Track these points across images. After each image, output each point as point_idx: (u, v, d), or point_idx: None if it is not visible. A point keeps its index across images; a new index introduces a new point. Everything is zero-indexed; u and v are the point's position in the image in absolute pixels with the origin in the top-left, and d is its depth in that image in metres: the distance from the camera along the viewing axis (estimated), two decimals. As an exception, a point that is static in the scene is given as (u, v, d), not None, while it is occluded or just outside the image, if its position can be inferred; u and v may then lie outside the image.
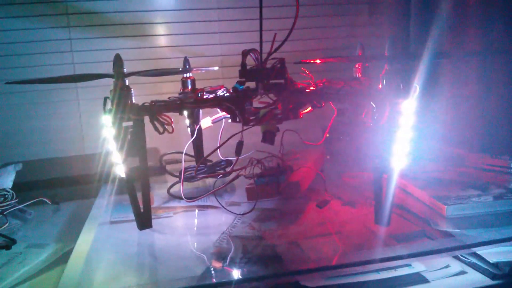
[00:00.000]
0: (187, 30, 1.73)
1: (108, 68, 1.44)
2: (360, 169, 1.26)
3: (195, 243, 0.91)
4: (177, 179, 1.23)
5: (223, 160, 1.21)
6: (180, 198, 1.10)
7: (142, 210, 0.91)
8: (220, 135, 1.15)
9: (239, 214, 1.00)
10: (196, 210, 1.08)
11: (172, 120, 0.92)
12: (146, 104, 0.89)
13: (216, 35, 1.76)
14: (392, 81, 0.79)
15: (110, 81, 0.89)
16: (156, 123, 0.89)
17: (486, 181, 1.02)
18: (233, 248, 0.87)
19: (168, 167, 1.29)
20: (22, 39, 1.60)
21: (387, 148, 0.82)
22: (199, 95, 0.96)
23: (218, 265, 0.80)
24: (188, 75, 1.24)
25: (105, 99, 0.84)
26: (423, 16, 1.56)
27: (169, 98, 0.93)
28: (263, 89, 0.98)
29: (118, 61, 0.85)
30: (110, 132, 0.85)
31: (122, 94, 0.84)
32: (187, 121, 1.23)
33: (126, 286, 0.74)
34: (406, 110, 0.79)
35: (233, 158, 1.15)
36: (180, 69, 1.16)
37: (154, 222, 0.99)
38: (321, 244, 0.86)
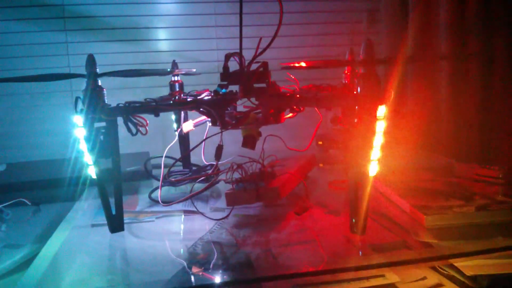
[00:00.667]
0: (184, 35, 1.73)
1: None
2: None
3: (170, 248, 0.90)
4: (162, 183, 1.22)
5: (208, 165, 1.20)
6: (159, 202, 1.08)
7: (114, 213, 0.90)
8: (204, 138, 1.14)
9: (216, 220, 0.98)
10: (183, 215, 1.06)
11: (147, 122, 0.91)
12: (120, 105, 0.88)
13: (214, 41, 1.76)
14: (367, 85, 0.77)
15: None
16: (130, 124, 0.88)
17: (472, 192, 0.99)
18: (205, 253, 0.85)
19: (156, 172, 1.28)
20: (18, 42, 1.61)
21: (362, 154, 0.79)
22: (176, 97, 0.94)
23: (188, 270, 0.78)
24: (176, 78, 1.23)
25: (77, 98, 0.83)
26: (421, 24, 1.55)
27: (145, 99, 0.91)
28: (243, 92, 0.96)
29: (90, 61, 0.84)
30: (81, 132, 0.84)
31: (93, 94, 0.83)
32: (175, 125, 1.22)
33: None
34: (381, 115, 0.76)
35: (222, 162, 1.14)
36: (168, 70, 1.14)
37: (135, 226, 0.99)
38: (294, 252, 0.84)
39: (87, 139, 0.84)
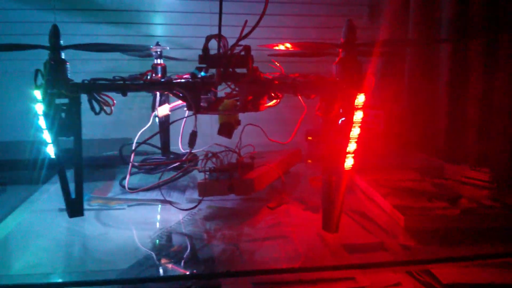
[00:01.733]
0: (178, 20, 1.67)
1: (93, 55, 1.38)
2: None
3: (135, 237, 0.85)
4: (136, 170, 1.17)
5: (186, 153, 1.14)
6: (128, 189, 1.03)
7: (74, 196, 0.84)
8: (182, 124, 1.08)
9: (184, 210, 0.93)
10: (159, 204, 1.01)
11: (114, 101, 0.85)
12: (85, 81, 0.82)
13: (207, 28, 1.69)
14: (345, 70, 0.71)
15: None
16: (94, 102, 0.82)
17: (459, 194, 0.93)
18: (168, 245, 0.81)
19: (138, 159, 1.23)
20: (5, 19, 1.55)
21: (337, 146, 0.73)
22: (147, 77, 0.89)
23: (146, 260, 0.74)
24: (159, 61, 1.18)
25: (37, 71, 0.78)
26: (423, 20, 1.48)
27: (113, 77, 0.85)
28: (220, 77, 0.90)
29: (54, 32, 0.78)
30: (40, 108, 0.78)
31: (55, 68, 0.78)
32: (157, 119, 1.16)
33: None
34: (359, 104, 0.70)
35: (198, 150, 1.08)
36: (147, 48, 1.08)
37: (104, 213, 0.95)
38: (262, 248, 0.78)
39: (46, 116, 0.79)
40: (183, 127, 1.09)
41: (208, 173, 0.94)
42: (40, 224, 0.90)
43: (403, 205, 0.87)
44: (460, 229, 0.81)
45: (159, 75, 1.14)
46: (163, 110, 1.02)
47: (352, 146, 0.72)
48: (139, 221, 0.93)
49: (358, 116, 0.71)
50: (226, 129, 0.95)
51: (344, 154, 0.72)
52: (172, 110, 1.02)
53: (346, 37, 0.70)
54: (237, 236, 0.83)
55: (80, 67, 1.47)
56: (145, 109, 1.60)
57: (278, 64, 1.03)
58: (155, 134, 0.94)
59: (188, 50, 1.65)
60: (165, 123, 1.17)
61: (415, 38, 1.36)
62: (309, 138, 1.49)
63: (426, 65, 1.43)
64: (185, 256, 0.76)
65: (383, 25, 1.67)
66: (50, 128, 0.79)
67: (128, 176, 1.00)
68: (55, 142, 0.80)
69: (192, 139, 0.94)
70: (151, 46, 1.04)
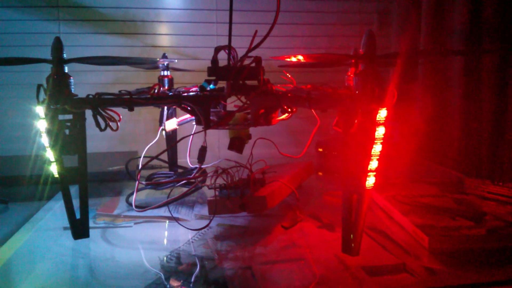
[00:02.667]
0: (183, 31, 1.64)
1: (98, 66, 1.34)
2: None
3: (143, 259, 0.81)
4: (143, 186, 1.13)
5: (194, 168, 1.10)
6: (136, 207, 0.98)
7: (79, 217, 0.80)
8: (190, 139, 1.04)
9: (194, 230, 0.88)
10: (167, 221, 0.97)
11: (121, 117, 0.81)
12: (90, 96, 0.78)
13: (214, 38, 1.66)
14: (366, 84, 0.66)
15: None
16: (99, 118, 0.78)
17: (483, 212, 0.88)
18: (178, 267, 0.76)
19: (143, 173, 1.19)
20: (7, 30, 1.53)
21: (358, 163, 0.69)
22: (155, 91, 0.85)
23: (157, 286, 0.69)
24: (166, 73, 1.14)
25: (39, 86, 0.74)
26: (434, 29, 1.44)
27: (119, 91, 0.82)
28: (230, 89, 0.86)
29: (57, 45, 0.74)
30: (43, 124, 0.75)
31: (58, 82, 0.74)
32: (164, 132, 1.13)
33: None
34: (381, 120, 0.66)
35: (208, 166, 1.04)
36: (150, 59, 1.05)
37: (110, 231, 0.92)
38: (277, 272, 0.74)
39: (49, 133, 0.75)
40: (191, 141, 1.05)
41: (218, 190, 0.89)
42: (45, 244, 0.86)
43: (425, 224, 0.82)
44: (486, 250, 0.76)
45: (166, 87, 1.11)
46: (170, 124, 0.98)
47: (373, 164, 0.68)
48: (147, 240, 0.90)
49: (380, 132, 0.66)
50: (236, 144, 0.91)
51: (365, 172, 0.68)
52: (180, 124, 0.98)
53: (366, 48, 0.66)
54: (250, 258, 0.78)
55: (84, 78, 1.45)
56: (151, 121, 1.56)
57: (289, 76, 0.99)
58: (164, 151, 0.90)
59: (194, 60, 1.62)
60: (172, 138, 1.13)
61: (438, 48, 1.31)
62: (320, 149, 1.44)
63: (439, 74, 1.39)
64: (195, 280, 0.72)
65: (394, 34, 1.63)
66: (53, 145, 0.75)
67: (135, 195, 0.96)
68: (59, 160, 0.76)
69: (202, 154, 0.90)
70: (158, 59, 1.00)
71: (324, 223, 0.94)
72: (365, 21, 1.74)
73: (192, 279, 0.72)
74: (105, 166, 1.29)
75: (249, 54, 0.88)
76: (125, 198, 1.09)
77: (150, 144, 1.02)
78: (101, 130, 0.78)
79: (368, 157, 0.67)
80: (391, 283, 0.70)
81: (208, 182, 0.95)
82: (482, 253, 0.76)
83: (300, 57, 0.81)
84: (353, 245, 0.72)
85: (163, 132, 1.12)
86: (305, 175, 1.15)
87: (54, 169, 0.77)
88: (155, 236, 0.92)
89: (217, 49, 0.94)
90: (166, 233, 0.94)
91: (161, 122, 1.03)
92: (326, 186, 1.21)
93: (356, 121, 0.66)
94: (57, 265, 0.78)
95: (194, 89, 0.97)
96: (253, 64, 0.90)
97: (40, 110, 0.74)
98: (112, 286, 0.72)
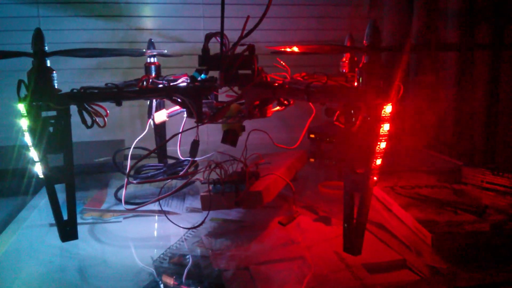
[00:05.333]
0: (168, 12, 1.57)
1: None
2: (340, 178, 1.12)
3: (135, 258, 0.78)
4: (132, 179, 1.09)
5: (185, 160, 1.06)
6: (126, 203, 0.95)
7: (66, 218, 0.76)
8: (181, 131, 1.00)
9: (187, 228, 0.85)
10: (156, 216, 0.94)
11: (108, 112, 0.76)
12: (74, 90, 0.73)
13: (200, 20, 1.60)
14: (371, 78, 0.63)
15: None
16: (85, 114, 0.73)
17: (484, 204, 0.86)
18: (173, 269, 0.73)
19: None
20: (-17, 14, 1.45)
21: (362, 160, 0.66)
22: (144, 83, 0.80)
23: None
24: (152, 60, 1.09)
25: (19, 82, 0.69)
26: (427, 10, 1.41)
27: (106, 84, 0.77)
28: (224, 80, 0.82)
29: (38, 36, 0.69)
30: (25, 123, 0.70)
31: (40, 77, 0.69)
32: (151, 121, 1.08)
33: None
34: (386, 115, 0.62)
35: (200, 159, 1.00)
36: (139, 50, 0.99)
37: (98, 227, 0.89)
38: (276, 273, 0.71)
39: (32, 131, 0.70)
40: (181, 132, 1.00)
41: (212, 185, 0.86)
42: (31, 244, 0.83)
43: (427, 220, 0.79)
44: (491, 246, 0.74)
45: (153, 74, 1.06)
46: (160, 116, 0.93)
47: (377, 161, 0.65)
48: (138, 237, 0.87)
49: (385, 128, 0.63)
50: (230, 137, 0.87)
51: (369, 170, 0.65)
52: (170, 116, 0.94)
53: (370, 40, 0.62)
54: (248, 257, 0.75)
55: (64, 64, 1.38)
56: (137, 106, 1.51)
57: (283, 64, 0.95)
58: (157, 148, 0.86)
59: (180, 43, 1.57)
60: (161, 128, 1.08)
61: (433, 43, 1.28)
62: (312, 136, 1.41)
63: (431, 60, 1.37)
64: (191, 282, 0.69)
65: (386, 16, 1.59)
66: (37, 145, 0.70)
67: (124, 190, 0.91)
68: (43, 160, 0.72)
69: (194, 148, 0.86)
70: (144, 50, 0.95)
71: (320, 215, 0.92)
72: (356, 2, 1.69)
73: (189, 284, 0.69)
74: (90, 158, 1.24)
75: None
76: (113, 191, 1.05)
77: (140, 136, 0.98)
78: (87, 127, 0.73)
79: (372, 155, 0.64)
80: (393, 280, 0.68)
81: (200, 176, 0.91)
82: (486, 250, 0.74)
83: (295, 49, 0.77)
84: (355, 244, 0.70)
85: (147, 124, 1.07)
86: (299, 165, 1.12)
87: (38, 170, 0.72)
88: (146, 232, 0.89)
89: (208, 37, 0.89)
90: (157, 228, 0.90)
91: (149, 114, 0.99)
92: (320, 173, 1.19)
93: (360, 118, 0.63)
94: (45, 266, 0.74)
95: (183, 78, 0.92)
96: (246, 53, 0.86)
97: (21, 107, 0.69)
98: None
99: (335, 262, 0.73)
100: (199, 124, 0.81)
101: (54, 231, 0.80)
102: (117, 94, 0.74)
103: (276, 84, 0.79)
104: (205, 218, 0.84)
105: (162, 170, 1.07)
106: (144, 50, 0.96)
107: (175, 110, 0.94)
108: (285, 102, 0.83)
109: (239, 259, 0.74)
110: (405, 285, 0.66)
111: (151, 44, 1.09)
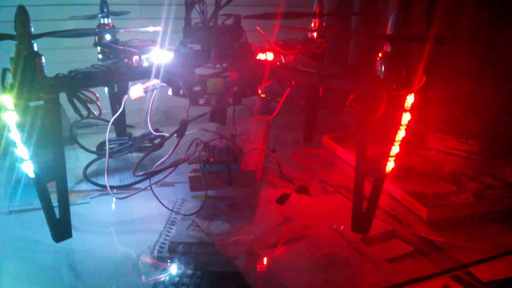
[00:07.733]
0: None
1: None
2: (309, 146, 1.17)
3: (123, 245, 0.74)
4: (93, 155, 1.01)
5: (152, 133, 0.99)
6: (103, 187, 0.88)
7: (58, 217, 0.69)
8: (150, 104, 0.93)
9: (186, 215, 0.82)
10: (129, 193, 0.88)
11: (98, 96, 0.69)
12: (60, 75, 0.64)
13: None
14: (394, 68, 0.63)
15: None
16: (76, 101, 0.65)
17: (457, 171, 0.93)
18: (177, 261, 0.70)
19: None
20: None
21: (379, 147, 0.67)
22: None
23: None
24: (106, 21, 0.99)
25: (4, 71, 0.58)
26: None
27: (92, 65, 0.68)
28: (217, 55, 0.77)
29: (22, 15, 0.58)
30: (12, 117, 0.60)
31: (28, 63, 0.59)
32: (106, 89, 0.99)
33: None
34: (408, 106, 0.64)
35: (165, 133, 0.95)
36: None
37: None
38: (287, 256, 0.71)
39: (21, 127, 0.60)
40: (151, 105, 0.93)
41: (201, 165, 0.82)
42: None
43: (416, 192, 0.84)
44: (477, 215, 0.81)
45: (108, 39, 0.97)
46: (136, 91, 0.85)
47: (395, 149, 0.66)
48: (115, 219, 0.82)
49: (406, 118, 0.64)
50: (220, 115, 0.83)
51: (387, 157, 0.66)
52: (146, 91, 0.86)
53: (395, 30, 0.62)
54: (254, 242, 0.75)
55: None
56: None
57: (262, 32, 0.92)
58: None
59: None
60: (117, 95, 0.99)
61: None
62: (263, 95, 1.41)
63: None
64: (206, 275, 0.66)
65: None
66: (26, 141, 0.61)
67: (106, 174, 0.84)
68: (34, 157, 0.63)
69: (182, 128, 0.81)
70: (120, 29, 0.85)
71: (298, 185, 0.93)
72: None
73: (192, 275, 0.66)
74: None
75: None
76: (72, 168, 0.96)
77: (115, 116, 0.90)
78: (83, 118, 0.65)
79: (391, 143, 0.66)
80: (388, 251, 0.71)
81: (184, 155, 0.87)
82: (467, 218, 0.80)
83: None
84: (364, 225, 0.72)
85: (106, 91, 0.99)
86: (268, 134, 1.11)
87: (28, 169, 0.63)
88: (119, 213, 0.84)
89: (189, 4, 0.82)
90: (128, 208, 0.85)
91: (124, 90, 0.90)
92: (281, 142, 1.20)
93: (381, 108, 0.63)
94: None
95: (155, 46, 0.85)
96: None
97: (7, 99, 0.59)
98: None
99: (337, 240, 0.75)
100: (192, 104, 0.76)
101: (18, 218, 0.76)
102: (110, 76, 0.66)
103: (278, 64, 0.76)
104: (202, 205, 0.80)
105: (127, 144, 1.00)
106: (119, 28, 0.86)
107: (152, 84, 0.86)
108: (287, 83, 0.80)
109: (246, 244, 0.74)
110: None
111: (104, 4, 0.99)
